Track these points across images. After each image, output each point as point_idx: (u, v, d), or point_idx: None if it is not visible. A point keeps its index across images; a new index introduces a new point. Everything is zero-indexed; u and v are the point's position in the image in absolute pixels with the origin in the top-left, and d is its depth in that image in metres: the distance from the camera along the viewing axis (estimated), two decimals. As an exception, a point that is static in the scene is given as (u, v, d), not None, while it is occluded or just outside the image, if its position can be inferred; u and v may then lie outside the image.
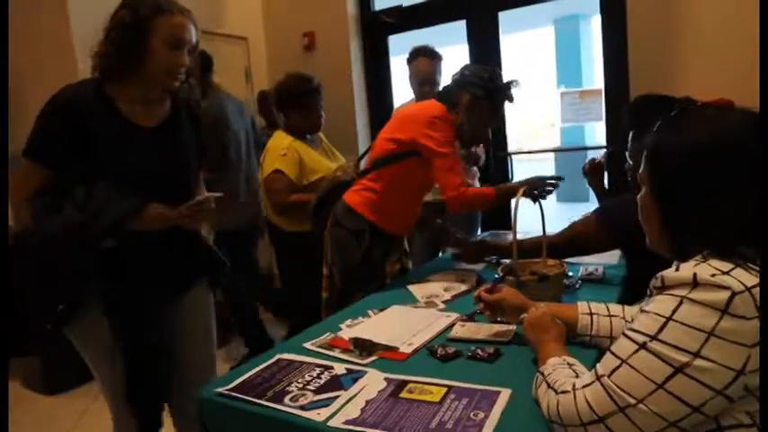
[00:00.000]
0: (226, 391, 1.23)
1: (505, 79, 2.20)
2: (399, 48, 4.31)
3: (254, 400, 1.19)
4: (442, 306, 1.77)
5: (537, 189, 2.10)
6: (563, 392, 0.92)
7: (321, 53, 4.28)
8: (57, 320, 1.52)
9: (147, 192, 1.52)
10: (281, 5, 4.46)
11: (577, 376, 0.97)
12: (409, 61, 3.16)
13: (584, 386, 0.88)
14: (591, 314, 1.30)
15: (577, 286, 1.85)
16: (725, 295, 0.77)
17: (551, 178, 2.16)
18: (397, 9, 4.16)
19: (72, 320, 1.53)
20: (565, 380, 0.96)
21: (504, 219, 3.50)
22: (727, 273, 0.79)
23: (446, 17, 4.07)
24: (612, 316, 1.29)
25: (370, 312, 1.73)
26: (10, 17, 3.56)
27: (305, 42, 4.30)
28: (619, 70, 3.31)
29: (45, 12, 3.39)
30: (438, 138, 2.08)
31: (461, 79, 2.19)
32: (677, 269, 0.85)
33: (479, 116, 2.17)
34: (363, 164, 2.44)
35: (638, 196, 1.00)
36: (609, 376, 0.84)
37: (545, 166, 10.61)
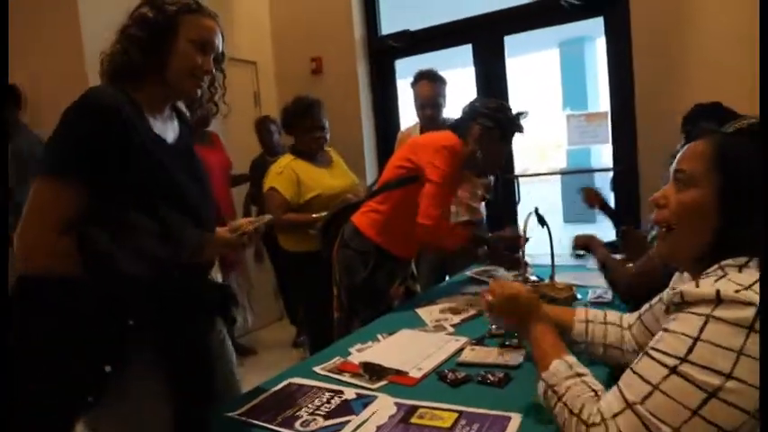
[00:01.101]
0: (236, 416, 1.24)
1: (514, 111, 2.22)
2: (407, 71, 4.36)
3: (264, 424, 1.19)
4: (451, 330, 1.77)
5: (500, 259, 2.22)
6: (593, 425, 0.86)
7: (328, 77, 4.34)
8: (100, 389, 1.16)
9: (173, 215, 1.27)
10: (290, 30, 4.54)
11: (596, 394, 0.93)
12: (413, 85, 3.19)
13: (615, 415, 0.84)
14: (587, 321, 1.27)
15: (587, 309, 1.84)
16: (750, 312, 0.76)
17: (515, 241, 2.22)
18: (404, 34, 4.21)
19: (113, 385, 1.17)
20: (584, 403, 0.90)
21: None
22: (749, 287, 0.79)
23: (452, 42, 4.13)
24: (608, 323, 1.26)
25: (379, 336, 1.73)
26: (21, 29, 3.63)
27: (313, 67, 4.37)
28: (624, 92, 3.34)
29: (57, 16, 3.44)
30: (438, 167, 2.11)
31: (471, 111, 2.23)
32: (697, 285, 0.84)
33: (490, 147, 2.19)
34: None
35: (682, 196, 0.94)
36: (641, 404, 0.81)
37: (552, 188, 10.64)
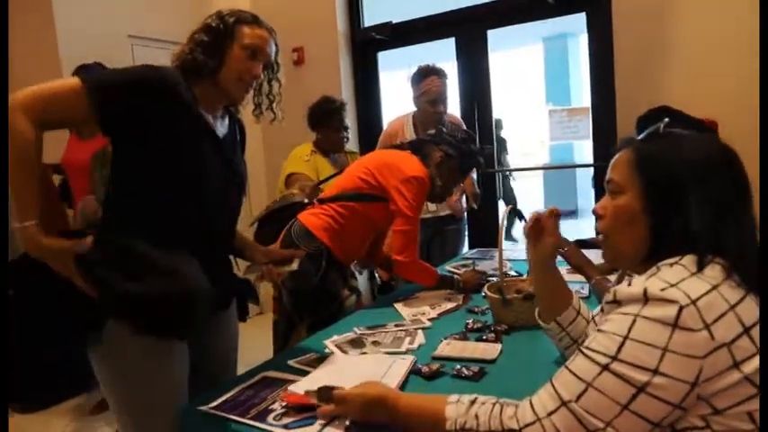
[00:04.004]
0: (209, 409, 1.22)
1: (477, 144, 2.25)
2: (389, 64, 4.35)
3: (236, 418, 1.18)
4: (428, 324, 1.77)
5: (470, 287, 2.16)
6: (527, 425, 0.88)
7: (310, 68, 4.29)
8: (81, 341, 1.36)
9: (209, 206, 1.45)
10: (271, 20, 4.40)
11: (498, 403, 0.94)
12: (417, 80, 3.05)
13: (550, 413, 0.86)
14: (578, 313, 1.29)
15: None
16: (674, 310, 0.80)
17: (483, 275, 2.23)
18: (387, 26, 4.19)
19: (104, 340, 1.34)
20: (499, 416, 0.92)
21: (490, 236, 3.52)
22: (675, 285, 0.82)
23: (435, 35, 4.11)
24: (589, 321, 1.28)
25: (356, 330, 1.73)
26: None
27: (294, 57, 4.32)
28: (605, 89, 3.35)
29: (30, 14, 3.37)
30: (409, 198, 2.08)
31: (438, 136, 2.25)
32: (630, 284, 0.87)
33: (448, 173, 2.21)
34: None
35: (614, 203, 1.00)
36: (576, 401, 0.84)
37: (534, 183, 10.70)
